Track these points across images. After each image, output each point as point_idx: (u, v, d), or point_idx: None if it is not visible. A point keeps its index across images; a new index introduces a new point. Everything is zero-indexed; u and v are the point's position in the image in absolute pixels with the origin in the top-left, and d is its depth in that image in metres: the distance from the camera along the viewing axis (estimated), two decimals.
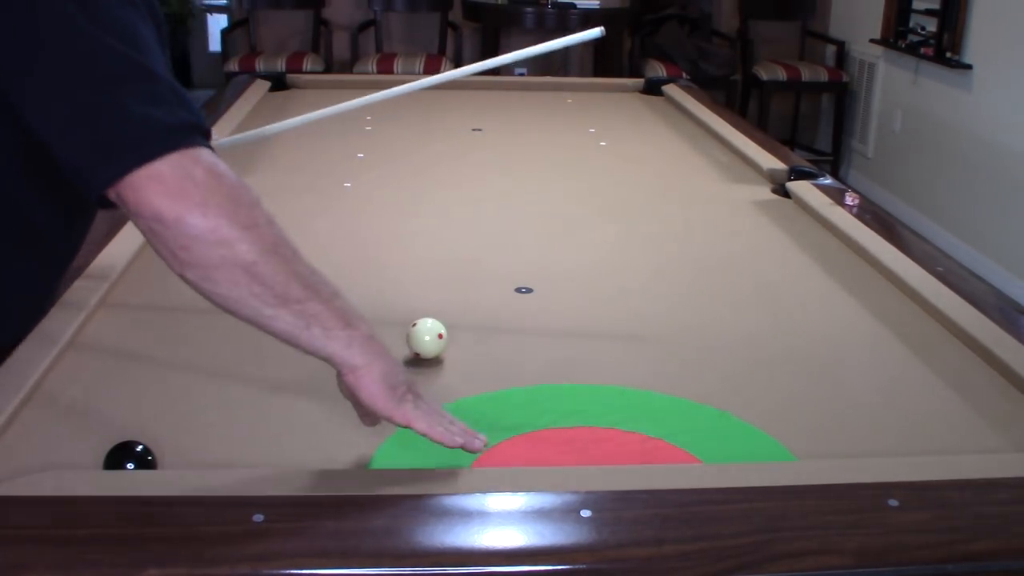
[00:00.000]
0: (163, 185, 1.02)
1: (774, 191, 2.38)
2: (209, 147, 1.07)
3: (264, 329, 1.06)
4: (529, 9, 5.66)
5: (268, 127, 1.97)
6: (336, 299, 1.07)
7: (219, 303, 1.05)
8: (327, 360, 1.08)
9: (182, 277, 1.05)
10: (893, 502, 1.06)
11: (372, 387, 1.07)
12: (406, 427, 1.09)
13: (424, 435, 1.09)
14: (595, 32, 1.65)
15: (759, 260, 1.97)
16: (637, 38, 5.89)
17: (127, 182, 1.02)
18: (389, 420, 1.10)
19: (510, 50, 6.66)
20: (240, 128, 2.75)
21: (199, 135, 1.07)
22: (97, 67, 1.06)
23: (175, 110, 1.06)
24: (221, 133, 2.63)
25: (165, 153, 1.02)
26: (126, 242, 1.80)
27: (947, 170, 4.86)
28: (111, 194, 1.04)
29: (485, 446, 1.13)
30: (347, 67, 5.89)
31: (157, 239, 1.03)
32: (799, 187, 2.31)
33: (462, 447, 1.10)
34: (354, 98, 1.88)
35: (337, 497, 1.04)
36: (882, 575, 0.97)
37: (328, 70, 5.79)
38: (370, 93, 1.86)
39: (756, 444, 1.26)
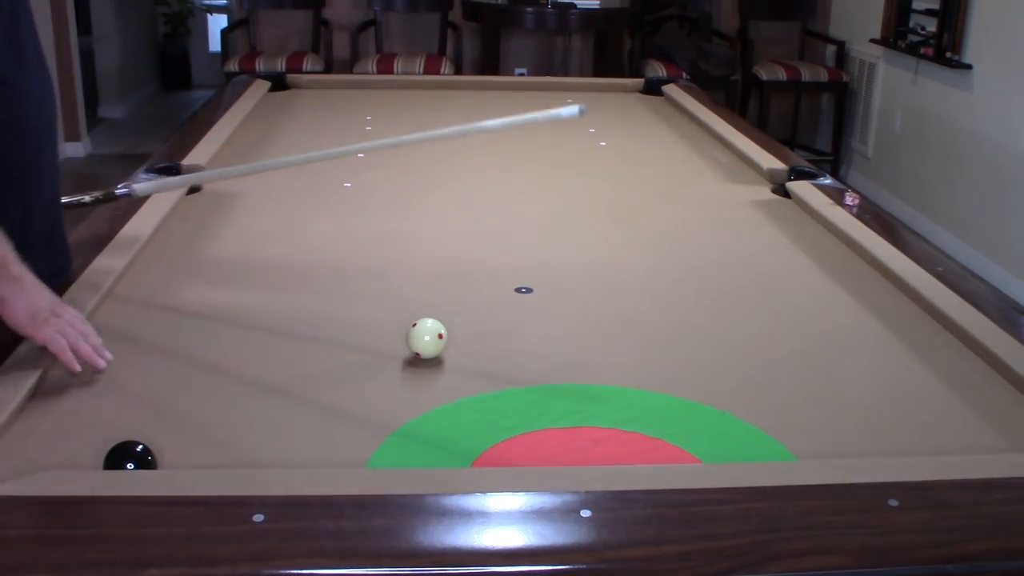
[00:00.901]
0: None
1: (774, 191, 2.38)
2: None
3: None
4: (529, 9, 5.66)
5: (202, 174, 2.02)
6: None
7: None
8: None
9: None
10: (893, 502, 1.06)
11: (14, 317, 1.32)
12: (42, 345, 1.32)
13: (53, 354, 1.32)
14: (573, 110, 1.46)
15: (759, 260, 1.97)
16: (637, 38, 5.89)
17: None
18: (32, 340, 1.33)
19: (509, 50, 6.59)
20: (240, 127, 2.75)
21: None
22: None
23: None
24: (222, 133, 2.64)
25: None
26: (125, 244, 1.81)
27: (947, 170, 4.86)
28: None
29: (108, 362, 1.35)
30: (347, 67, 5.89)
31: None
32: (799, 187, 2.31)
33: (93, 369, 1.33)
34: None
35: (337, 497, 1.04)
36: (882, 575, 0.98)
37: (328, 70, 5.79)
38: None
39: (756, 444, 1.26)
